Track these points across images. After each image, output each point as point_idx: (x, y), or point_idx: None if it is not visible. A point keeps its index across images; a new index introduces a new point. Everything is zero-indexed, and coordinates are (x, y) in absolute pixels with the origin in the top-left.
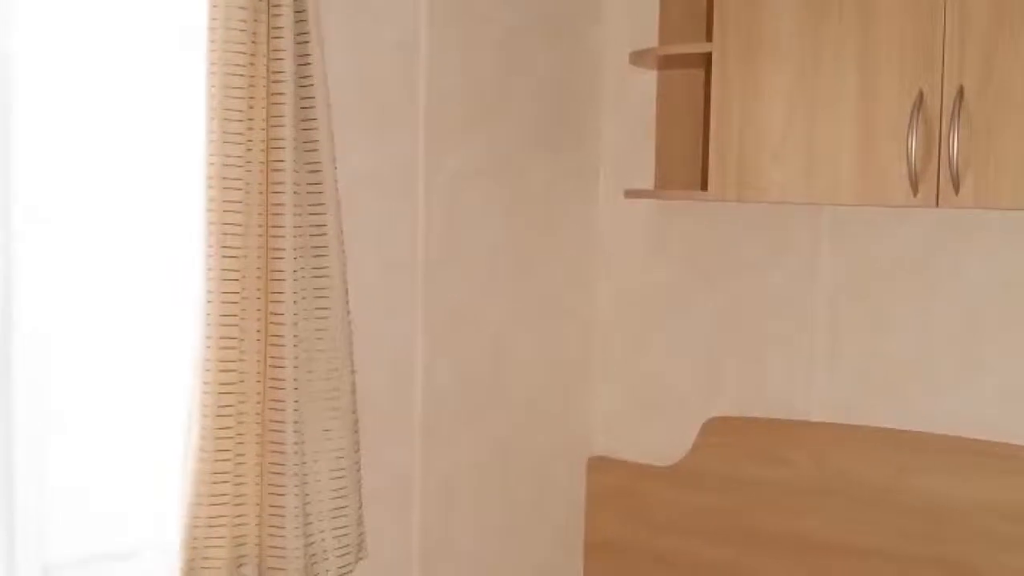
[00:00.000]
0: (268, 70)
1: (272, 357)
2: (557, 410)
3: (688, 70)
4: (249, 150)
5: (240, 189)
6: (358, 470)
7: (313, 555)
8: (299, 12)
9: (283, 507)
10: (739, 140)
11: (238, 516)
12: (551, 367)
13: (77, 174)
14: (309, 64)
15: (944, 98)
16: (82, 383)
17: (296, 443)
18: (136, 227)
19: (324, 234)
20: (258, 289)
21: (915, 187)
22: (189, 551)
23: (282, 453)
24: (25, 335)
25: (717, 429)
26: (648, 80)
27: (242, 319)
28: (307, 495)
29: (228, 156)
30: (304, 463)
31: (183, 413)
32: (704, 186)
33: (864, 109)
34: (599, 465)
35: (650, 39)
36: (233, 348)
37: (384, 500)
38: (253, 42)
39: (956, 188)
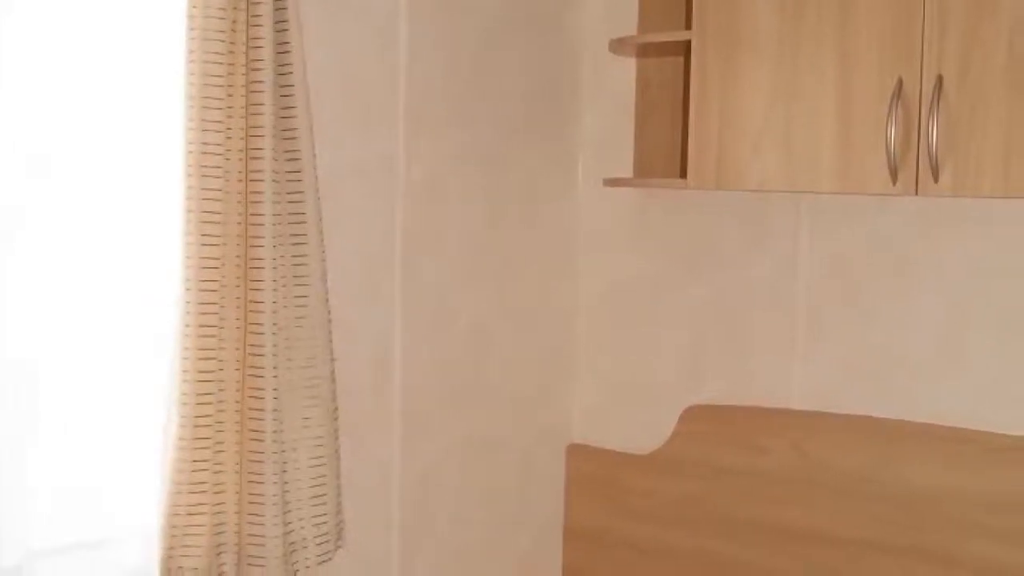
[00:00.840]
0: (247, 58)
1: (251, 345)
2: (537, 398)
3: (668, 58)
4: (228, 138)
5: (219, 177)
6: (337, 458)
7: (292, 543)
8: (278, 0)
9: (262, 495)
10: (719, 128)
11: (217, 504)
12: (530, 355)
13: (55, 162)
14: (288, 52)
15: (923, 86)
16: (63, 372)
17: (275, 431)
18: (115, 215)
19: (303, 222)
20: (237, 277)
21: (894, 176)
22: (168, 539)
23: (261, 441)
24: (5, 323)
25: (696, 417)
26: (627, 68)
27: (221, 307)
28: (286, 483)
29: (207, 144)
30: (283, 451)
31: (163, 401)
32: (684, 174)
33: (843, 97)
34: (579, 453)
35: (629, 27)
36: (212, 336)
37: (364, 489)
38: (232, 30)
39: (935, 176)
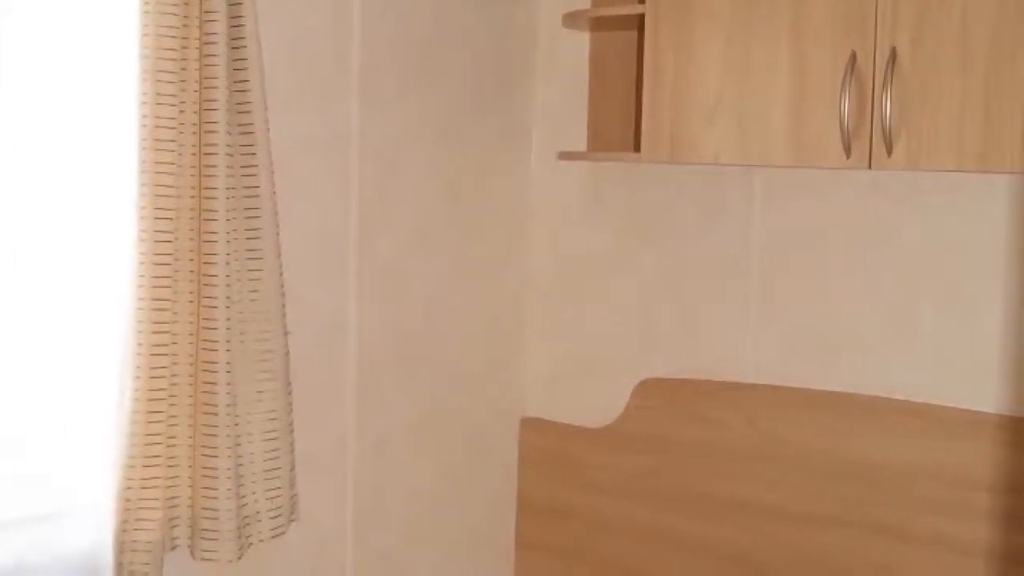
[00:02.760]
0: (201, 31)
1: (204, 319)
2: (491, 372)
3: (621, 32)
4: (182, 112)
5: (173, 151)
6: (291, 432)
7: (246, 517)
8: None
9: (216, 468)
10: (672, 102)
11: (171, 478)
12: (485, 329)
13: (6, 136)
14: (242, 26)
15: (877, 60)
16: (15, 346)
17: (229, 405)
18: (67, 188)
19: (257, 196)
20: (190, 251)
21: (848, 149)
22: (122, 512)
23: (215, 415)
24: None
25: (650, 391)
26: (581, 42)
27: (174, 280)
28: (240, 457)
29: (160, 118)
30: (237, 425)
31: (116, 375)
32: (637, 148)
33: (797, 70)
34: (532, 426)
35: (583, 0)
36: (165, 310)
37: (318, 462)
38: (186, 3)
39: (889, 150)
